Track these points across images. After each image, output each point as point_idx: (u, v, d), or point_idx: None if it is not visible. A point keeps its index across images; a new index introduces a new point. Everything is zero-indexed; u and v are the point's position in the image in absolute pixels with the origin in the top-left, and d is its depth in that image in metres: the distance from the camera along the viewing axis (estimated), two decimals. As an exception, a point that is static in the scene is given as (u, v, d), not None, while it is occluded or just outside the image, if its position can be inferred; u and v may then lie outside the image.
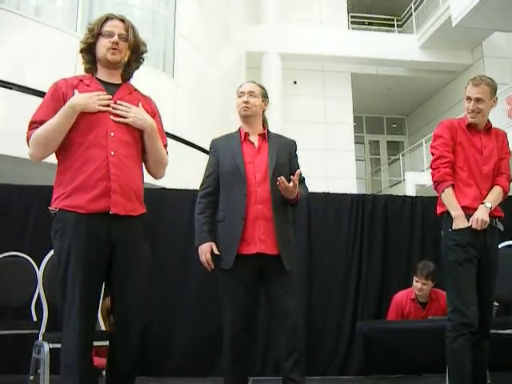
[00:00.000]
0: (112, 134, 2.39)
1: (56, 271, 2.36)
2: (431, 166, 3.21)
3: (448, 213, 3.12)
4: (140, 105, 2.53)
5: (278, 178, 2.83)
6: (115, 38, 2.46)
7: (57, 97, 2.41)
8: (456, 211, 3.05)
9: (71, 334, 2.26)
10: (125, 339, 2.39)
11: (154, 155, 2.58)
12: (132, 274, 2.40)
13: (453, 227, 3.06)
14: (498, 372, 3.81)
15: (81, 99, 2.36)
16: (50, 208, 2.37)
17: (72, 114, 2.34)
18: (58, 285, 2.34)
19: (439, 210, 3.21)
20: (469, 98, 3.18)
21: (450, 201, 3.08)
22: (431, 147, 3.24)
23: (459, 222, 3.04)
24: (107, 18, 2.52)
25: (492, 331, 3.23)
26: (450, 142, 3.17)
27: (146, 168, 2.63)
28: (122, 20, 2.54)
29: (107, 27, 2.49)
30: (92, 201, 2.32)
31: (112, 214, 2.32)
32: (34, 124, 2.39)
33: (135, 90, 2.63)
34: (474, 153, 3.18)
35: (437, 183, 3.15)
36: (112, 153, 2.36)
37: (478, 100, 3.15)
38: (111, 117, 2.41)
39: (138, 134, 2.50)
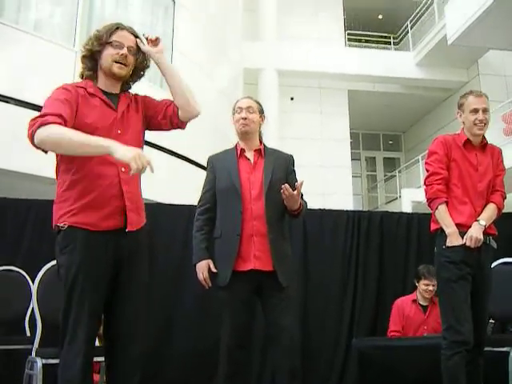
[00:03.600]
0: None
1: (62, 285, 2.26)
2: (425, 183, 3.21)
3: (441, 230, 3.11)
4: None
5: (282, 186, 2.83)
6: (124, 50, 2.38)
7: (70, 98, 2.26)
8: (450, 228, 3.05)
9: (76, 351, 2.19)
10: (128, 353, 2.34)
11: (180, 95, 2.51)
12: (136, 289, 2.38)
13: (447, 244, 3.05)
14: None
15: (128, 151, 2.07)
16: (58, 224, 2.27)
17: (98, 152, 2.14)
18: (63, 299, 2.26)
19: (433, 226, 3.21)
20: (475, 110, 3.15)
21: (443, 218, 3.08)
22: (426, 163, 3.24)
23: (453, 240, 3.03)
24: (117, 28, 2.42)
25: (487, 349, 3.22)
26: (444, 158, 3.16)
27: (181, 112, 2.51)
28: (132, 32, 2.46)
29: (117, 37, 2.39)
30: (103, 219, 2.26)
31: (123, 230, 2.29)
32: (48, 115, 2.15)
33: (130, 96, 2.53)
34: (469, 169, 3.17)
35: (430, 200, 3.15)
36: (122, 169, 2.30)
37: (485, 110, 3.15)
38: (118, 131, 2.35)
39: (140, 144, 2.46)
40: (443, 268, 3.07)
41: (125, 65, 2.39)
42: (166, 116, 2.52)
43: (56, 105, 2.22)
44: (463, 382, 2.92)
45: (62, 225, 2.27)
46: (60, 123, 2.15)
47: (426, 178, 3.19)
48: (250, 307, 2.99)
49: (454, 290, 3.01)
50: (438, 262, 3.14)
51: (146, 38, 2.50)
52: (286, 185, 2.85)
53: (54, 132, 2.11)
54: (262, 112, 3.20)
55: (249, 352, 3.13)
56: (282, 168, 3.12)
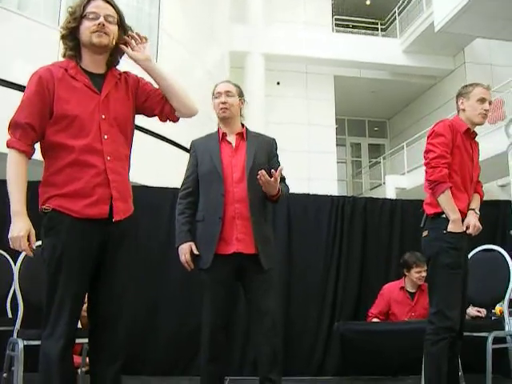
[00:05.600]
0: (105, 137, 2.27)
1: (46, 267, 2.25)
2: (428, 164, 3.11)
3: (440, 214, 3.09)
4: None
5: (259, 172, 2.83)
6: (101, 19, 2.25)
7: (42, 94, 2.23)
8: (456, 215, 3.03)
9: (58, 334, 2.18)
10: (114, 336, 2.33)
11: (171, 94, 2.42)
12: (122, 270, 2.36)
13: (448, 229, 3.03)
14: (471, 374, 3.86)
15: (16, 234, 2.18)
16: (42, 207, 2.26)
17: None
18: (46, 282, 2.24)
19: (431, 210, 3.15)
20: (483, 100, 3.18)
21: (449, 203, 3.03)
22: (429, 144, 3.14)
23: (457, 226, 3.03)
24: None
25: (466, 334, 3.27)
26: (450, 143, 3.11)
27: (178, 114, 2.47)
28: (107, 1, 2.32)
29: (91, 8, 2.27)
30: (88, 207, 2.22)
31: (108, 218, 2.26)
32: (18, 126, 2.22)
33: (119, 74, 2.43)
34: (466, 159, 3.18)
35: (436, 183, 3.05)
36: (108, 158, 2.26)
37: (490, 103, 3.21)
38: (102, 116, 2.28)
39: (129, 126, 2.41)
40: (444, 253, 3.03)
41: (104, 33, 2.28)
42: (162, 112, 2.47)
43: (25, 108, 2.24)
44: (445, 367, 2.95)
45: (45, 207, 2.25)
46: (19, 149, 2.23)
47: (432, 159, 3.08)
48: (231, 290, 3.01)
49: (452, 277, 3.02)
50: (436, 247, 3.09)
51: (137, 35, 2.42)
52: (263, 171, 2.84)
53: (8, 164, 2.24)
54: (241, 95, 3.18)
55: (231, 335, 3.13)
56: (264, 151, 3.11)
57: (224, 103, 3.07)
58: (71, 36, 2.32)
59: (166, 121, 2.53)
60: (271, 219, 3.17)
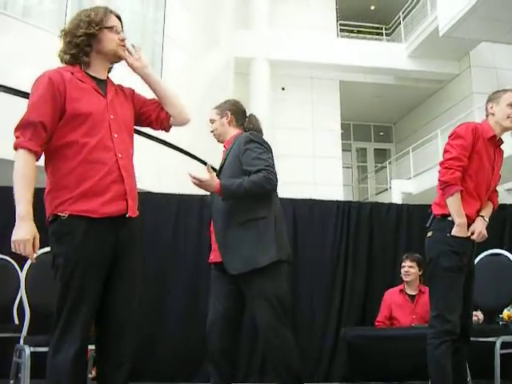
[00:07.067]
0: (116, 136, 2.31)
1: (57, 274, 2.21)
2: (442, 164, 3.08)
3: (446, 216, 3.07)
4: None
5: (190, 176, 2.79)
6: (123, 34, 2.43)
7: (53, 95, 2.23)
8: (462, 219, 3.01)
9: (72, 339, 2.17)
10: (121, 340, 2.32)
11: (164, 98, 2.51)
12: (132, 275, 2.36)
13: (452, 233, 3.01)
14: (480, 379, 3.83)
15: (21, 237, 2.13)
16: (57, 213, 2.21)
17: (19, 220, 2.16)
18: (59, 289, 2.20)
19: (439, 210, 3.12)
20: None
21: (457, 206, 3.01)
22: (448, 144, 3.12)
23: (462, 231, 3.01)
24: (109, 11, 2.45)
25: (474, 339, 3.25)
26: (469, 147, 3.07)
27: (172, 121, 2.54)
28: (118, 17, 2.49)
29: (112, 22, 2.42)
30: (105, 204, 2.22)
31: (123, 216, 2.27)
32: (30, 125, 2.19)
33: (114, 84, 2.51)
34: (487, 166, 3.14)
35: (446, 184, 3.02)
36: (119, 155, 2.29)
37: None
38: (111, 116, 2.33)
39: (132, 130, 2.47)
40: (445, 256, 3.02)
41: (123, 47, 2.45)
42: (158, 118, 2.54)
43: (38, 108, 2.23)
44: (449, 370, 2.94)
45: (62, 214, 2.21)
46: (31, 149, 2.19)
47: (447, 160, 3.06)
48: (231, 296, 3.01)
49: (452, 280, 3.00)
50: (437, 249, 3.07)
51: (132, 47, 2.49)
52: (191, 172, 2.78)
53: (16, 165, 2.19)
54: (223, 111, 3.20)
55: (237, 341, 3.14)
56: (235, 151, 3.02)
57: (212, 132, 3.24)
58: (88, 42, 2.37)
59: (159, 128, 2.59)
60: (255, 217, 2.91)
